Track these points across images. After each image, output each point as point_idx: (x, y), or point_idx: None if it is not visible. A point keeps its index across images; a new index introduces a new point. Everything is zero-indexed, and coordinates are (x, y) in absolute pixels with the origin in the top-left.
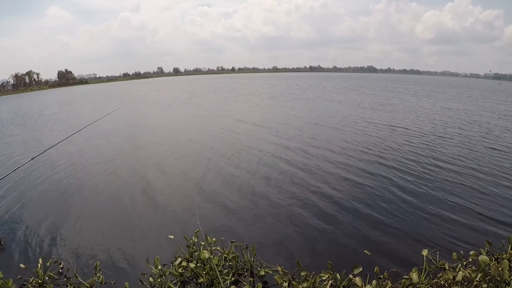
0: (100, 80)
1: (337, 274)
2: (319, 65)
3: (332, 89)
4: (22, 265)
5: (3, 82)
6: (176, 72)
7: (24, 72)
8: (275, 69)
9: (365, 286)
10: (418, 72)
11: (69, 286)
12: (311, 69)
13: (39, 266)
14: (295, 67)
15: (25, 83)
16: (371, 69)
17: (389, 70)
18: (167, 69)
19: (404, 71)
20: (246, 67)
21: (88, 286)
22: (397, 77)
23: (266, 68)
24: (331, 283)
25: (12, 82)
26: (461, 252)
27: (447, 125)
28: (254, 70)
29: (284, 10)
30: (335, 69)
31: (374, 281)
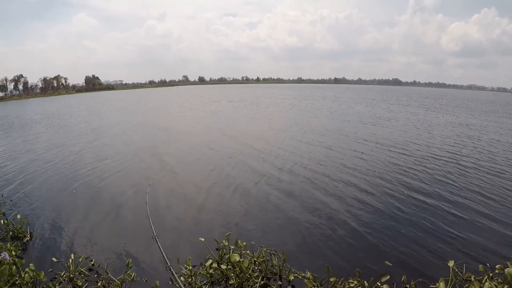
0: (126, 86)
1: (365, 282)
2: (343, 77)
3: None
4: (54, 259)
5: (32, 85)
6: (201, 80)
7: (52, 76)
8: (300, 80)
9: None
10: (443, 85)
11: (99, 282)
12: (336, 80)
13: (71, 261)
14: (320, 78)
15: (53, 87)
16: (396, 82)
17: (414, 83)
18: (192, 77)
19: (429, 84)
20: (271, 78)
21: (119, 283)
22: (428, 92)
23: (291, 78)
24: None
25: (41, 86)
26: (487, 264)
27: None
28: (279, 80)
29: (309, 21)
30: (359, 81)
31: None
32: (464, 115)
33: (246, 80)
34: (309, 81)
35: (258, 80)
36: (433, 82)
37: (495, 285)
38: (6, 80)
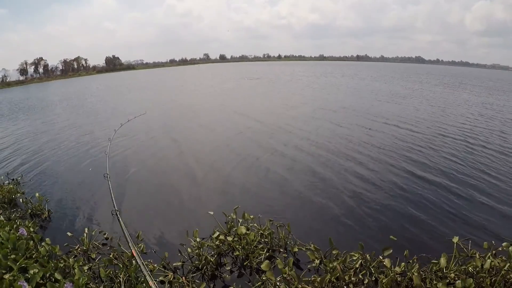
0: (147, 66)
1: (367, 255)
2: (366, 54)
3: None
4: (69, 233)
5: (52, 68)
6: (223, 58)
7: (72, 58)
8: (322, 58)
9: (394, 268)
10: (467, 64)
11: (112, 254)
12: (358, 58)
13: (85, 235)
14: (342, 55)
15: (73, 68)
16: (419, 60)
17: (437, 61)
18: (213, 55)
19: (452, 63)
20: (292, 55)
21: (130, 255)
22: (450, 70)
23: (313, 56)
24: (361, 263)
25: (61, 68)
26: (493, 242)
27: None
28: (300, 58)
29: None
30: (382, 59)
31: (403, 263)
32: (483, 93)
33: (267, 58)
34: (331, 58)
35: (279, 58)
36: (456, 61)
37: (498, 262)
38: (26, 63)
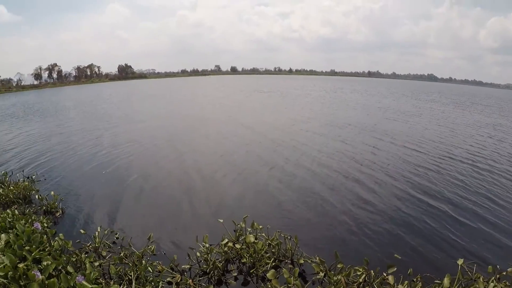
0: (158, 75)
1: (371, 271)
2: (377, 71)
3: None
4: (82, 230)
5: (66, 74)
6: (234, 70)
7: (86, 65)
8: (333, 73)
9: (397, 285)
10: (480, 84)
11: (122, 253)
12: (369, 74)
13: (97, 233)
14: (353, 71)
15: (86, 75)
16: (431, 78)
17: (450, 80)
18: (224, 67)
19: (466, 82)
20: (304, 69)
21: (140, 255)
22: (462, 89)
23: (324, 70)
24: (365, 278)
25: (74, 74)
26: (497, 266)
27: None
28: (311, 72)
29: (342, 11)
30: (394, 76)
31: (406, 281)
32: (494, 115)
33: (278, 71)
34: (342, 73)
35: (290, 71)
36: (470, 80)
37: (501, 287)
38: (40, 68)
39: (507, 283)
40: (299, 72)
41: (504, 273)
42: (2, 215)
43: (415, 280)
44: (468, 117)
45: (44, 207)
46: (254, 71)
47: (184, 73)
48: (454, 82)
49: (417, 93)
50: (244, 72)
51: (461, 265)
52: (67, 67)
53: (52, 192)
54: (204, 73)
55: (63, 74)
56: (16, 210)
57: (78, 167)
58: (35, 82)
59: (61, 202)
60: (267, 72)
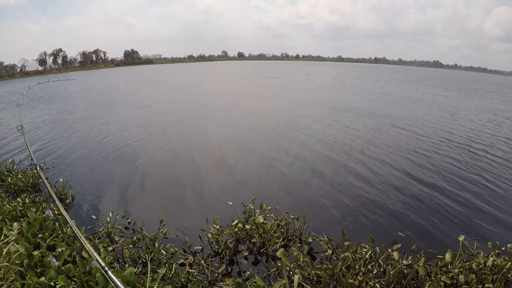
0: (165, 61)
1: (377, 248)
2: (384, 57)
3: None
4: (94, 216)
5: (71, 59)
6: (241, 56)
7: (91, 50)
8: (340, 59)
9: (401, 261)
10: (485, 70)
11: (134, 237)
12: (376, 60)
13: (109, 219)
14: (360, 57)
15: (91, 60)
16: (437, 64)
17: (455, 67)
18: (231, 53)
19: (471, 68)
20: (311, 55)
21: (153, 238)
22: (467, 75)
23: (331, 57)
24: (371, 254)
25: (80, 59)
26: (497, 243)
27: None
28: (319, 58)
29: None
30: (400, 62)
31: (410, 257)
32: (495, 99)
33: (285, 57)
34: (349, 60)
35: (297, 57)
36: (475, 67)
37: (500, 261)
38: (45, 54)
39: (505, 257)
40: (306, 58)
41: (503, 249)
42: (12, 204)
43: (418, 256)
44: (470, 102)
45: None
46: (261, 57)
47: (191, 58)
48: (459, 69)
49: (422, 79)
50: (251, 57)
51: (462, 241)
52: (73, 53)
53: (61, 179)
54: (211, 58)
55: (68, 60)
56: (26, 199)
57: (85, 153)
58: (40, 68)
59: (70, 189)
60: (274, 58)
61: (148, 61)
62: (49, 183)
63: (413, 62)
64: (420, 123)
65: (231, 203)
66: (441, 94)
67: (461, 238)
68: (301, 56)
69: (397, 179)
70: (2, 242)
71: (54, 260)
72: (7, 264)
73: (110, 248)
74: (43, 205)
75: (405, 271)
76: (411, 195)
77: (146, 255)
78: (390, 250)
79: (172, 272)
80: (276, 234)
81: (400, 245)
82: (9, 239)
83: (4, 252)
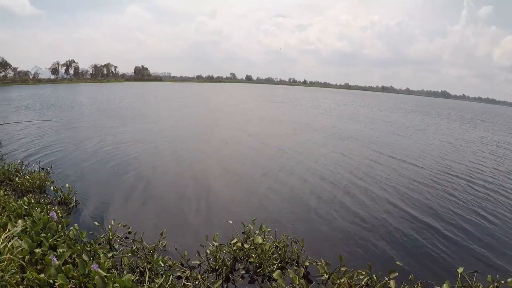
0: (174, 79)
1: (374, 275)
2: (391, 86)
3: None
4: (96, 223)
5: (82, 71)
6: (248, 79)
7: (103, 64)
8: (347, 86)
9: None
10: (493, 101)
11: (134, 246)
12: (383, 89)
13: (110, 226)
14: (367, 85)
15: (102, 73)
16: (444, 94)
17: (463, 97)
18: (239, 75)
19: (479, 99)
20: (318, 81)
21: (152, 248)
22: (474, 106)
23: (338, 84)
24: (367, 282)
25: (91, 72)
26: (497, 276)
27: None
28: (326, 85)
29: (359, 26)
30: (407, 91)
31: (407, 286)
32: (502, 131)
33: (293, 82)
34: (356, 87)
35: (305, 83)
36: (483, 97)
37: None
38: (58, 64)
39: None
40: (313, 84)
41: (503, 282)
42: (18, 202)
43: (415, 286)
44: (474, 134)
45: (59, 198)
46: (268, 81)
47: (199, 78)
48: (467, 99)
49: (428, 109)
50: (259, 81)
51: (461, 273)
52: (84, 65)
53: (67, 184)
54: (219, 79)
55: (79, 71)
56: (32, 199)
57: (91, 162)
58: (52, 77)
59: (75, 195)
60: (282, 82)
61: (158, 78)
62: (55, 187)
63: (420, 91)
64: (421, 153)
65: (231, 221)
66: (445, 125)
67: (460, 270)
68: (308, 82)
69: (396, 209)
70: (6, 236)
71: (54, 259)
72: (10, 256)
73: (109, 255)
74: (48, 206)
75: None
76: (410, 225)
77: (145, 264)
78: (387, 278)
79: (168, 284)
80: (274, 256)
81: (397, 273)
82: (13, 234)
83: (9, 245)
